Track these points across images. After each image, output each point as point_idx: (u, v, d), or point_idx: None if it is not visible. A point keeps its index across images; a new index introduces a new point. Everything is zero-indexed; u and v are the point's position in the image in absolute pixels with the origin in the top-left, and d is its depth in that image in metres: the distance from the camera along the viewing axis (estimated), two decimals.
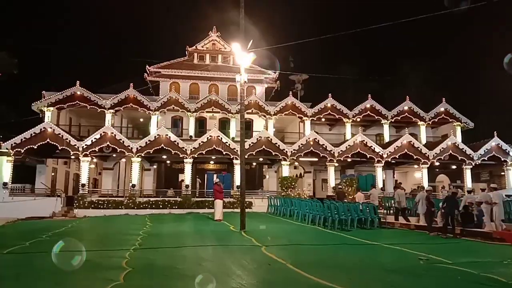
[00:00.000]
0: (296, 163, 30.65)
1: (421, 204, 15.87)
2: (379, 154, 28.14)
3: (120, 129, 29.43)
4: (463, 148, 28.92)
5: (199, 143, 26.55)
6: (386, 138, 32.02)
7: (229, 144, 26.78)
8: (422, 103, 32.92)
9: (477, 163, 29.05)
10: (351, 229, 14.83)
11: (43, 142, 24.49)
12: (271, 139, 27.43)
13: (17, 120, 30.02)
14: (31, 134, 24.49)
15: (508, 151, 29.14)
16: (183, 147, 26.25)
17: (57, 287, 6.44)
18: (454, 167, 30.32)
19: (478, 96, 42.20)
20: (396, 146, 28.34)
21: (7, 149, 24.28)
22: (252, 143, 26.80)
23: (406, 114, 31.71)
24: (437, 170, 32.10)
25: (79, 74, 37.85)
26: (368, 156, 28.13)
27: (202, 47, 35.26)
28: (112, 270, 7.28)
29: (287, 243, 11.16)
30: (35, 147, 24.45)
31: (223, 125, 31.99)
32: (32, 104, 28.47)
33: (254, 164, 31.83)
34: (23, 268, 7.79)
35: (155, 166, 31.21)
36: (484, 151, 28.99)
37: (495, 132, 29.31)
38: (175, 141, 26.33)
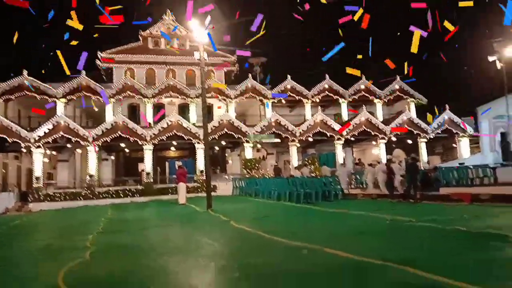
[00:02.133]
0: (259, 146, 30.68)
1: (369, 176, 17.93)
2: (338, 132, 28.68)
3: (73, 119, 28.08)
4: (417, 123, 30.08)
5: (159, 129, 25.92)
6: (345, 117, 32.64)
7: (190, 129, 26.33)
8: (378, 83, 33.74)
9: (431, 136, 30.35)
10: (316, 202, 15.00)
11: None
12: (232, 121, 27.24)
13: None
14: None
15: (459, 124, 30.64)
16: (142, 134, 25.51)
17: (27, 270, 5.99)
18: (409, 141, 31.49)
19: (429, 72, 43.84)
20: (355, 123, 29.02)
21: None
22: (214, 126, 26.48)
23: (363, 92, 32.40)
24: (394, 145, 33.18)
25: (25, 64, 35.60)
26: (328, 134, 28.62)
27: (157, 31, 34.14)
28: (77, 250, 6.89)
29: (257, 217, 11.09)
30: None
31: (183, 111, 31.28)
32: None
33: (217, 148, 31.59)
34: None
35: (113, 157, 30.23)
36: (438, 124, 30.32)
37: (446, 105, 30.70)
38: (133, 127, 25.54)
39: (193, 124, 27.95)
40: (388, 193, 14.76)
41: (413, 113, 32.18)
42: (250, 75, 31.18)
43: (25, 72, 26.48)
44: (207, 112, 28.29)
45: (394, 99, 33.44)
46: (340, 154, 29.18)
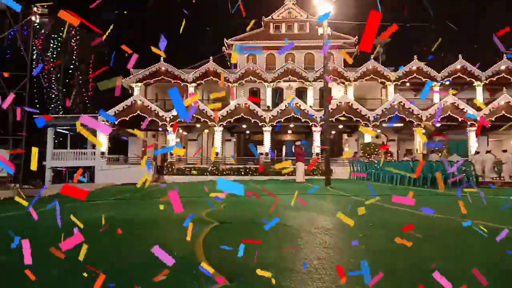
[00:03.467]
0: (379, 130, 29.41)
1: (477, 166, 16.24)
2: (472, 118, 25.90)
3: (201, 102, 30.50)
4: None
5: (278, 111, 26.62)
6: (480, 102, 29.24)
7: (307, 111, 26.46)
8: None
9: None
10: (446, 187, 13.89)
11: (134, 114, 26.28)
12: (351, 104, 26.59)
13: (110, 97, 32.44)
14: (123, 107, 26.41)
15: None
16: (262, 115, 26.50)
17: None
18: None
19: None
20: (492, 108, 25.86)
21: (102, 121, 26.41)
22: (331, 109, 26.16)
23: (503, 74, 28.66)
24: None
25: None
26: (460, 120, 26.05)
27: (278, 16, 34.92)
28: (212, 203, 7.56)
29: (380, 194, 10.73)
30: (127, 119, 26.31)
31: (300, 94, 31.63)
32: (122, 80, 30.47)
33: (333, 132, 31.19)
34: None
35: (234, 140, 32.01)
36: None
37: None
38: (254, 109, 26.67)
39: (310, 107, 28.06)
40: None
41: None
42: (371, 56, 29.95)
43: (161, 59, 29.54)
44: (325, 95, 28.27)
45: None
46: (473, 142, 26.36)
